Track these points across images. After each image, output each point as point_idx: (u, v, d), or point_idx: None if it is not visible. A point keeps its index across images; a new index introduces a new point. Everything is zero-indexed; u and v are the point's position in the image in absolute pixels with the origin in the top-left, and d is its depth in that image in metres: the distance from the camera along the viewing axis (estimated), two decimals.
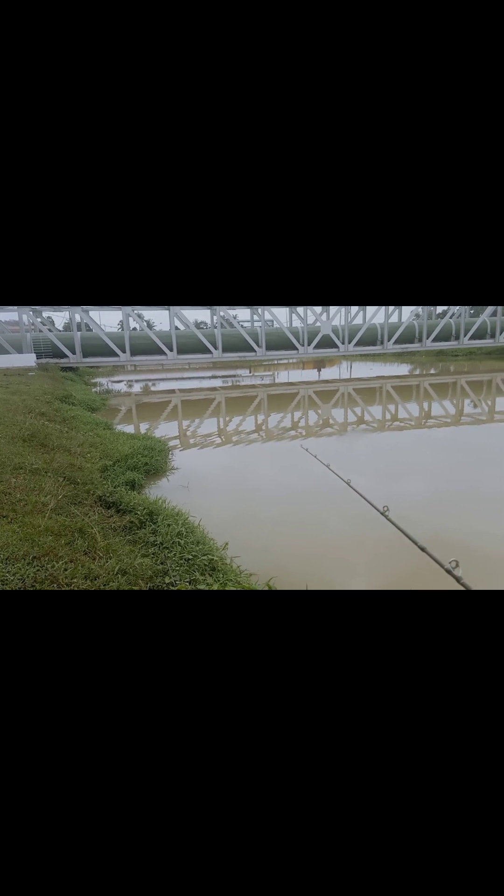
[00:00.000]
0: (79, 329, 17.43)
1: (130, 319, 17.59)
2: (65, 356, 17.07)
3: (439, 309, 21.31)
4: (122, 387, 18.30)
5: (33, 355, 16.64)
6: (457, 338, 19.91)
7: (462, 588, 1.38)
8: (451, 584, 1.46)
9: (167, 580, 3.14)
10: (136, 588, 2.91)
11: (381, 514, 1.82)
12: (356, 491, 2.09)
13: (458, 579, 1.43)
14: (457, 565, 1.50)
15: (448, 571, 1.47)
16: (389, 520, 1.79)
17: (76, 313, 17.12)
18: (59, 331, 18.24)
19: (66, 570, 2.80)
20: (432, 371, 20.04)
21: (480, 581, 1.43)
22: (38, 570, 2.71)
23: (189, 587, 2.93)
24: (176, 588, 3.00)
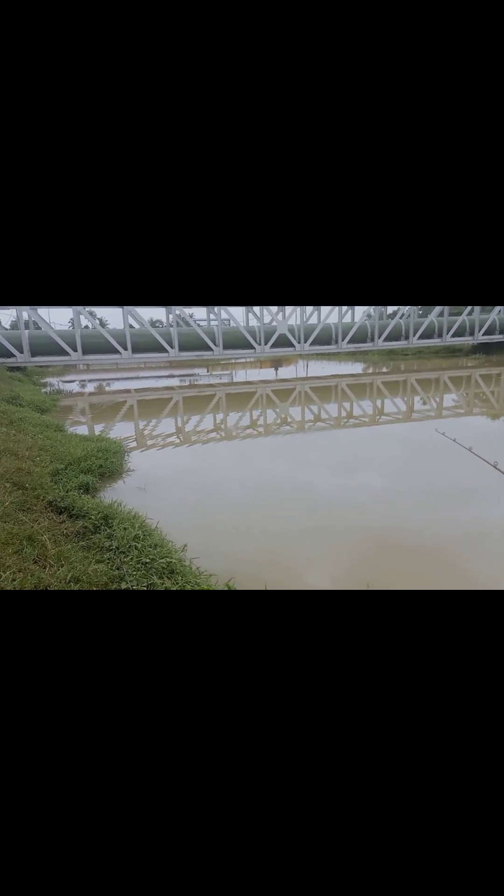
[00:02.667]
0: (27, 327, 16.63)
1: (82, 317, 16.98)
2: (11, 355, 16.22)
3: (390, 309, 22.09)
4: (74, 387, 17.64)
5: None
6: (406, 337, 20.71)
7: None
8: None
9: (123, 586, 3.04)
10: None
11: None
12: (502, 471, 2.02)
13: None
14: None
15: None
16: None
17: (24, 311, 16.32)
18: (6, 329, 17.32)
19: (13, 580, 2.65)
20: (384, 369, 20.74)
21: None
22: None
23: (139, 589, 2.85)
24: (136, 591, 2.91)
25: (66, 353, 16.68)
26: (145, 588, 3.02)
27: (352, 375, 18.93)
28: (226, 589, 3.03)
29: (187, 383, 18.12)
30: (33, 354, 16.53)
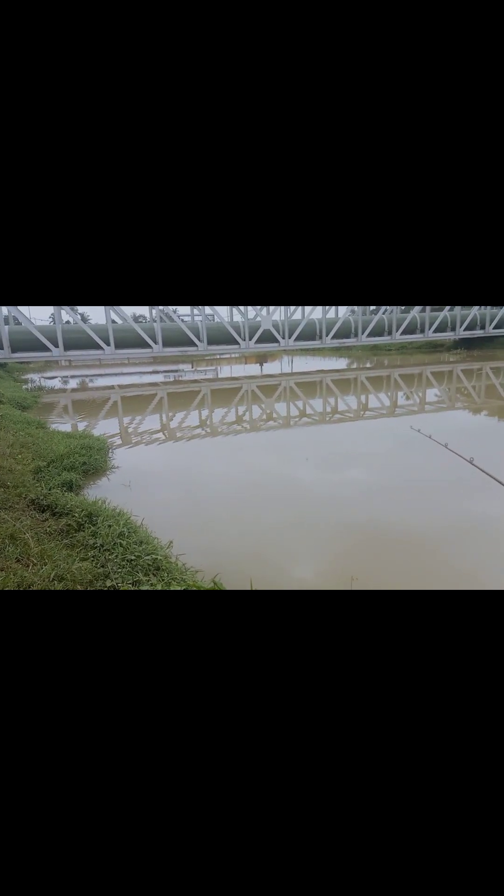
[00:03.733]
0: (6, 323, 16.26)
1: (63, 312, 16.67)
2: None
3: (372, 306, 22.26)
4: (56, 383, 17.34)
5: None
6: (389, 333, 20.89)
7: None
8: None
9: (108, 583, 3.02)
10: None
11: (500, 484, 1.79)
12: (480, 468, 2.04)
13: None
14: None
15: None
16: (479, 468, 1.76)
17: (1, 306, 15.94)
18: None
19: None
20: (368, 365, 20.92)
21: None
22: None
23: (132, 589, 2.83)
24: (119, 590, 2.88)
25: (48, 349, 16.38)
26: (131, 585, 3.00)
27: (336, 371, 19.04)
28: (213, 585, 3.03)
29: (172, 379, 17.98)
30: (13, 350, 16.17)
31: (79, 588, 2.85)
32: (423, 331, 21.28)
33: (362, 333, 20.25)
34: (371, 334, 20.50)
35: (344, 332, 20.17)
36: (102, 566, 3.24)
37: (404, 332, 20.99)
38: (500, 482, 1.91)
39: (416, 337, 21.52)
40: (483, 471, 2.05)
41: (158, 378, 18.18)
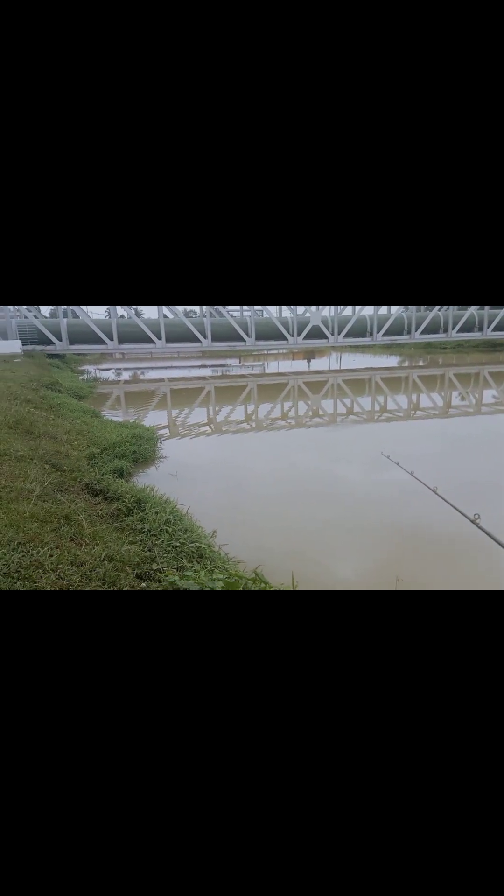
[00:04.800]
0: (65, 316, 17.12)
1: (118, 307, 17.33)
2: (51, 343, 16.77)
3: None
4: (110, 375, 18.07)
5: (18, 342, 16.31)
6: (445, 330, 20.03)
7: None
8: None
9: (154, 566, 3.13)
10: (122, 574, 2.90)
11: (472, 521, 1.80)
12: (443, 498, 2.09)
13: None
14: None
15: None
16: (481, 528, 1.77)
17: None
18: (45, 317, 17.87)
19: (51, 555, 2.78)
20: (421, 363, 20.18)
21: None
22: (22, 556, 2.68)
23: (177, 574, 2.93)
24: (164, 575, 2.99)
25: (103, 342, 17.09)
26: (176, 570, 3.10)
27: (386, 368, 18.51)
28: (255, 577, 3.07)
29: (219, 373, 18.22)
30: (71, 342, 17.02)
31: (127, 570, 2.98)
32: (481, 329, 20.23)
33: (416, 330, 19.56)
34: (425, 332, 19.76)
35: (396, 329, 19.56)
36: (149, 550, 3.37)
37: (461, 330, 20.06)
38: None
39: (473, 335, 20.50)
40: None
41: (206, 372, 18.48)
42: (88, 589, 2.55)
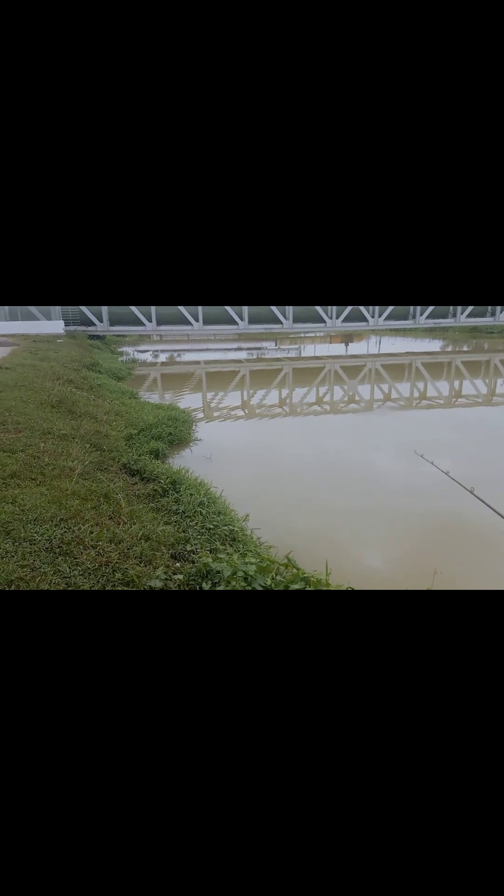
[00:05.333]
0: None
1: None
2: (92, 324, 17.16)
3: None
4: (147, 356, 18.35)
5: (61, 322, 16.79)
6: (492, 314, 19.01)
7: None
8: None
9: (188, 548, 3.22)
10: (157, 554, 2.99)
11: None
12: (480, 499, 2.06)
13: None
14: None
15: None
16: None
17: None
18: None
19: (91, 532, 2.90)
20: (465, 348, 19.30)
21: None
22: (64, 532, 2.81)
23: (210, 556, 2.99)
24: (198, 556, 3.06)
25: (142, 324, 17.33)
26: (209, 552, 3.17)
27: (428, 353, 17.84)
28: (287, 562, 3.10)
29: (255, 357, 18.13)
30: (111, 324, 17.36)
31: (163, 549, 3.08)
32: None
33: (461, 314, 18.67)
34: (471, 314, 18.83)
35: (440, 312, 18.73)
36: (184, 531, 3.46)
37: None
38: None
39: None
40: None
41: (242, 355, 18.43)
42: (89, 589, 2.65)
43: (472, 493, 2.07)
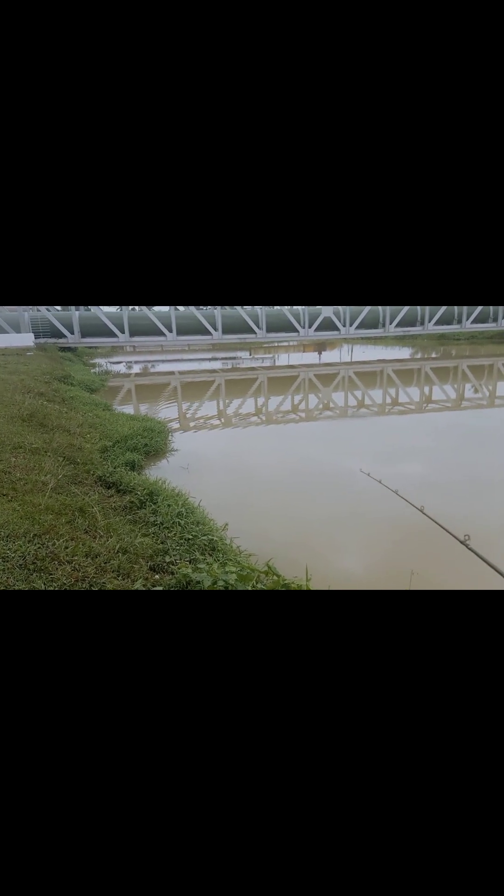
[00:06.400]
0: (77, 308, 17.21)
1: None
2: (63, 336, 16.88)
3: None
4: (121, 368, 18.16)
5: (31, 335, 16.45)
6: (459, 321, 19.72)
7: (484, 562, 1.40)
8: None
9: (167, 559, 3.17)
10: (136, 567, 2.94)
11: (462, 543, 1.82)
12: (430, 517, 2.11)
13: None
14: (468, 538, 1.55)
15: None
16: (471, 549, 1.79)
17: None
18: (58, 310, 17.99)
19: (66, 547, 2.83)
20: (434, 355, 19.91)
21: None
22: (38, 548, 2.73)
23: (190, 567, 2.96)
24: (177, 567, 3.02)
25: (114, 335, 17.16)
26: (189, 563, 3.13)
27: (399, 360, 18.31)
28: (267, 569, 3.09)
29: (230, 366, 18.19)
30: (83, 335, 17.12)
31: (141, 562, 3.02)
32: (496, 320, 19.88)
33: (429, 321, 19.29)
34: (439, 322, 19.47)
35: (409, 320, 19.32)
36: (162, 543, 3.41)
37: (475, 321, 19.73)
38: None
39: (487, 326, 20.16)
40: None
41: (217, 365, 18.46)
42: (96, 587, 2.59)
43: (421, 511, 2.15)
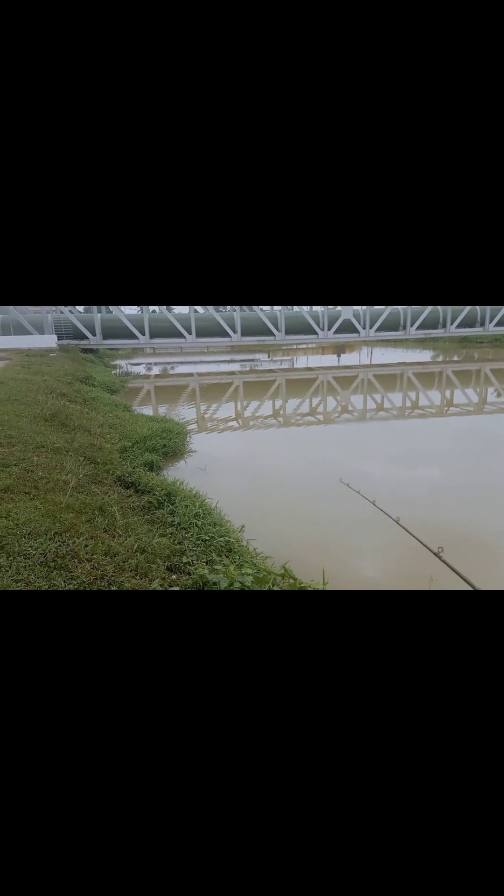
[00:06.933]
0: (99, 311, 17.52)
1: None
2: (85, 338, 17.20)
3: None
4: (141, 369, 18.38)
5: (54, 336, 16.81)
6: (482, 324, 19.33)
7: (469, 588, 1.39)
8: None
9: (184, 559, 3.20)
10: (153, 566, 2.97)
11: (435, 554, 1.83)
12: (406, 529, 2.12)
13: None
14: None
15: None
16: (442, 560, 1.81)
17: None
18: (80, 311, 18.32)
19: (86, 546, 2.88)
20: (455, 358, 19.56)
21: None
22: (59, 546, 2.79)
23: (206, 568, 2.98)
24: (194, 568, 3.05)
25: (135, 337, 17.40)
26: (205, 563, 3.15)
27: (419, 363, 18.06)
28: (283, 572, 3.09)
29: (248, 368, 18.23)
30: (105, 337, 17.40)
31: (158, 561, 3.06)
32: None
33: (451, 324, 18.96)
34: (461, 325, 19.13)
35: (431, 323, 19.03)
36: (179, 543, 3.44)
37: (499, 324, 19.31)
38: None
39: None
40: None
41: (235, 367, 18.52)
42: (111, 588, 2.63)
43: (397, 522, 2.15)
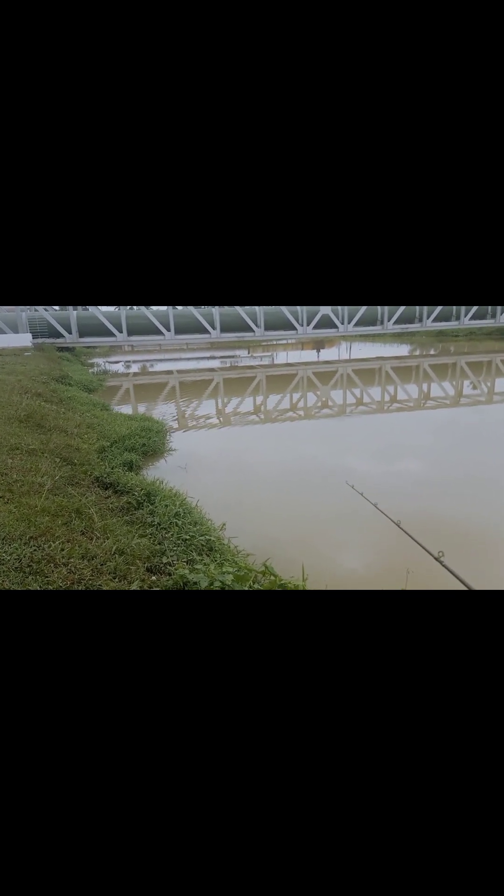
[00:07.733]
0: (75, 308, 17.17)
1: None
2: (61, 336, 16.85)
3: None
4: (119, 367, 18.12)
5: (29, 335, 16.41)
6: (457, 318, 19.69)
7: (463, 588, 1.40)
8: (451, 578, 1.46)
9: (164, 560, 3.16)
10: (133, 568, 2.93)
11: (436, 559, 1.85)
12: (406, 532, 2.13)
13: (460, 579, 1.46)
14: (443, 555, 1.57)
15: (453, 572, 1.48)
16: (443, 565, 1.82)
17: None
18: (55, 310, 17.92)
19: (62, 549, 2.82)
20: (432, 352, 19.89)
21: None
22: (34, 550, 2.72)
23: (187, 568, 2.95)
24: (174, 568, 3.02)
25: (112, 334, 17.13)
26: (186, 563, 3.12)
27: (397, 358, 18.29)
28: (264, 569, 3.08)
29: (228, 365, 18.17)
30: (81, 335, 17.08)
31: (138, 563, 3.01)
32: (494, 316, 19.86)
33: (427, 318, 19.26)
34: (437, 319, 19.45)
35: (407, 317, 19.29)
36: (159, 544, 3.40)
37: (474, 318, 19.70)
38: None
39: (486, 322, 20.13)
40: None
41: (215, 364, 18.43)
42: (93, 588, 2.58)
43: (398, 525, 2.17)
